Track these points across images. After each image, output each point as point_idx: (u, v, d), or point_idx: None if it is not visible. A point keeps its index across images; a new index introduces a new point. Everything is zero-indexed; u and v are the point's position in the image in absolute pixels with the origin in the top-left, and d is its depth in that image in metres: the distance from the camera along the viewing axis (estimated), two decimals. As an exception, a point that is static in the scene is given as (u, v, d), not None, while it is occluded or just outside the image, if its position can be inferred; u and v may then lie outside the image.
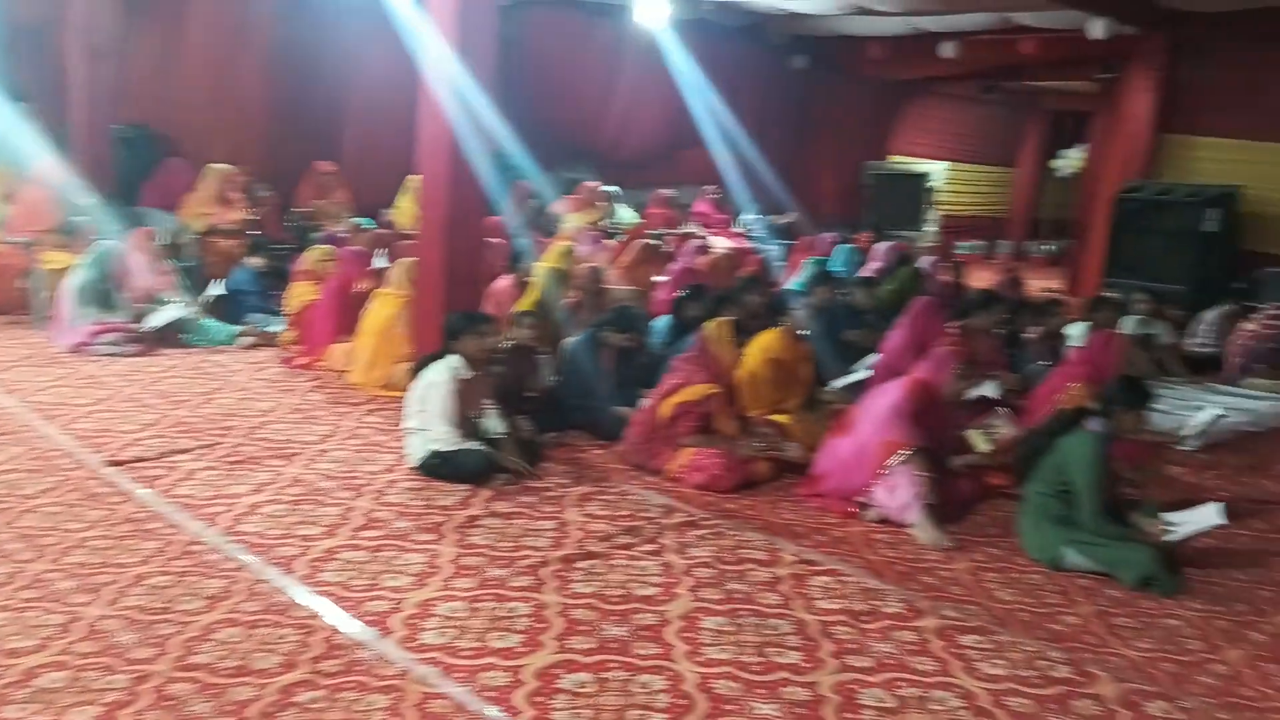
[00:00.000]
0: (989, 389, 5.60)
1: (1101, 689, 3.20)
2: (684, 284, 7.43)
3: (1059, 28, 11.36)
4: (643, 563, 3.93)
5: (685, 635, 3.35)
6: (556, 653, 3.18)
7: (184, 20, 9.04)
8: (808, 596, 3.73)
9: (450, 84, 5.56)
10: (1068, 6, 10.30)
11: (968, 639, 3.48)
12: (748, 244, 10.98)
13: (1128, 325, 7.34)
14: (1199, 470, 5.77)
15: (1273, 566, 4.38)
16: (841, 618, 3.57)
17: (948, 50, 12.18)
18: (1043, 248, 18.74)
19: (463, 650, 3.16)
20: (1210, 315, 8.69)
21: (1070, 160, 17.44)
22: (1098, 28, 10.58)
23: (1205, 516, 4.26)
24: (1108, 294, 8.35)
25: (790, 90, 14.38)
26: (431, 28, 5.64)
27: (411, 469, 4.82)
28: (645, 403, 5.21)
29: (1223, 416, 5.93)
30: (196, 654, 3.05)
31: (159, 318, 7.04)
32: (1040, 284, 13.59)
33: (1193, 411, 6.24)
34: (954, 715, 2.98)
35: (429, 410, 4.78)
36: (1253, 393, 7.36)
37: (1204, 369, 7.98)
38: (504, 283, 7.17)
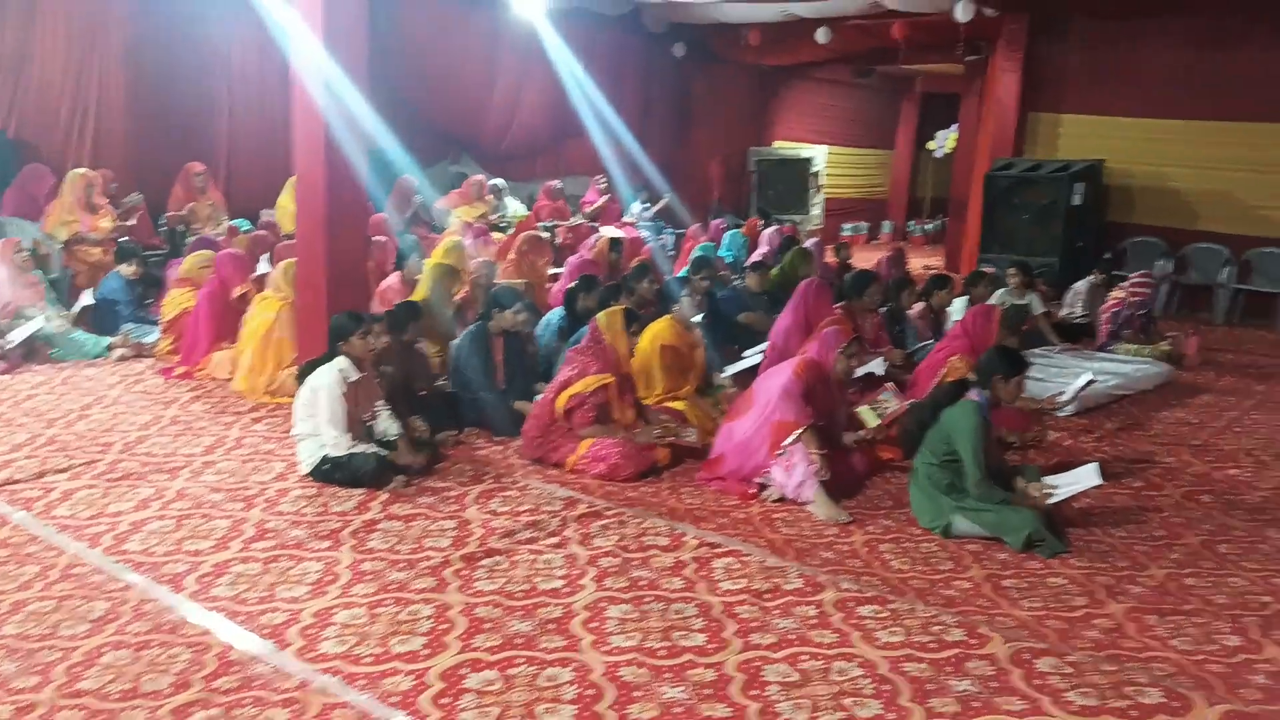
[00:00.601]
0: (876, 366, 5.76)
1: (993, 649, 3.32)
2: (581, 275, 7.41)
3: (927, 11, 11.70)
4: (546, 556, 3.92)
5: (591, 625, 3.35)
6: (461, 652, 3.15)
7: (36, 19, 8.56)
8: (711, 579, 3.78)
9: (321, 78, 5.42)
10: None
11: (866, 609, 3.57)
12: (635, 232, 11.02)
13: (1001, 298, 7.62)
14: (1076, 434, 6.05)
15: (1148, 522, 4.62)
16: (744, 597, 3.63)
17: (821, 36, 12.42)
18: (925, 226, 19.34)
19: (364, 657, 3.10)
20: (1080, 285, 9.10)
21: (941, 141, 18.02)
22: (963, 10, 10.93)
23: (1083, 477, 4.45)
24: (984, 269, 8.66)
25: (671, 78, 14.47)
26: (298, 19, 5.48)
27: (304, 476, 4.70)
28: (541, 396, 5.19)
29: (1094, 381, 6.21)
30: (83, 680, 2.91)
31: (18, 332, 6.68)
32: (922, 261, 14.03)
33: (1068, 378, 6.52)
34: (855, 684, 3.05)
35: (318, 415, 4.67)
36: (1122, 357, 7.74)
37: (1076, 337, 8.35)
38: (391, 281, 7.04)
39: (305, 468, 4.70)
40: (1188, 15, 10.87)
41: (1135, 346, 7.92)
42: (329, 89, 5.43)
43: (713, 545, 4.09)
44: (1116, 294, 8.41)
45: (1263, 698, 3.11)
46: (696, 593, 3.65)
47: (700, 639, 3.30)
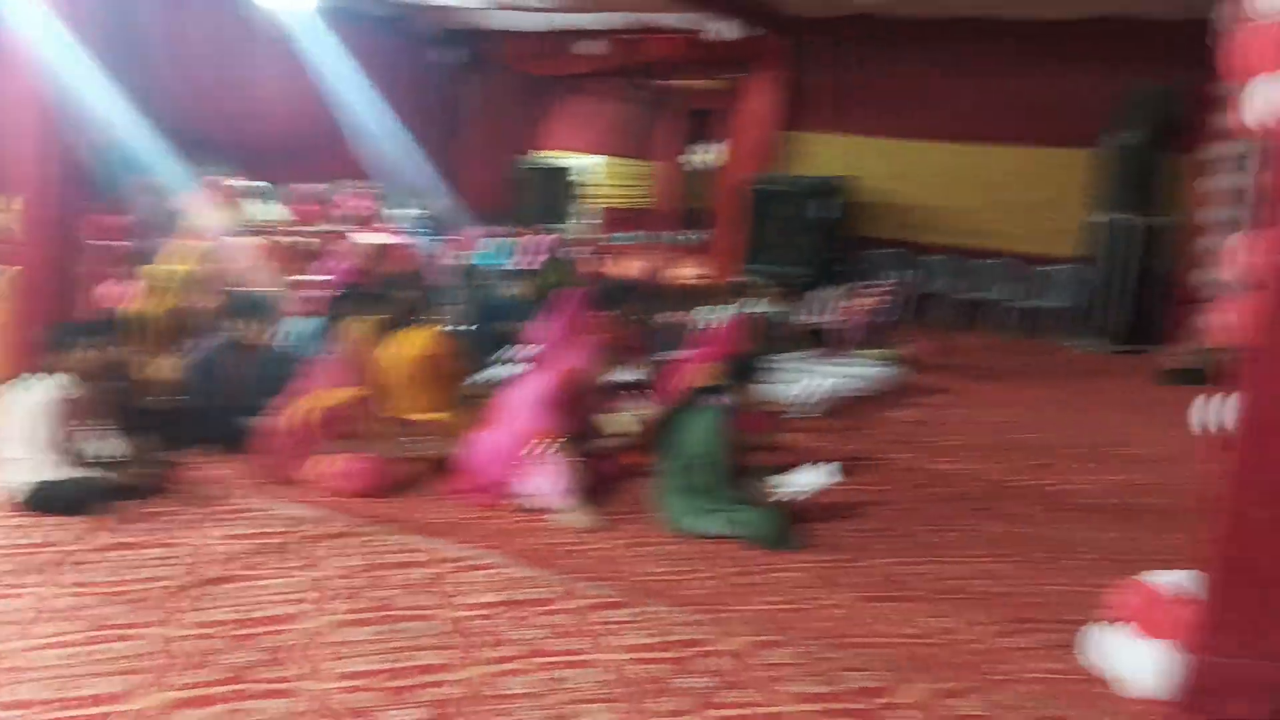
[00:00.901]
0: (631, 373, 5.89)
1: (730, 644, 3.45)
2: (344, 283, 7.18)
3: (690, 29, 12.11)
4: (282, 580, 3.73)
5: (325, 651, 3.22)
6: (178, 689, 2.93)
7: None
8: (459, 593, 3.72)
9: (47, 67, 4.97)
10: (694, 9, 11.00)
11: (612, 614, 3.62)
12: (401, 239, 10.78)
13: (754, 306, 7.99)
14: (816, 434, 6.39)
15: (872, 515, 4.95)
16: (491, 610, 3.59)
17: (587, 47, 12.62)
18: (689, 237, 19.95)
19: (67, 700, 2.84)
20: (827, 293, 9.67)
21: (705, 154, 18.68)
22: (723, 30, 11.39)
23: (820, 475, 4.72)
24: (738, 279, 9.06)
25: (441, 83, 14.30)
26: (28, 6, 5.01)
27: (14, 504, 4.27)
28: (285, 409, 4.96)
29: (838, 385, 6.61)
30: None
31: None
32: (686, 272, 14.47)
33: (811, 381, 6.91)
34: (596, 689, 3.09)
35: (31, 436, 4.26)
36: (863, 362, 8.28)
37: (822, 342, 8.87)
38: (121, 288, 6.54)
39: (15, 495, 4.28)
40: (926, 44, 11.76)
41: (874, 351, 8.49)
42: (58, 80, 4.98)
43: (462, 559, 4.04)
44: (861, 302, 9.02)
45: (968, 675, 3.38)
46: (443, 608, 3.58)
47: (445, 656, 3.23)
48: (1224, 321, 2.98)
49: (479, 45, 13.98)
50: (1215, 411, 2.96)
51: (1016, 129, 11.55)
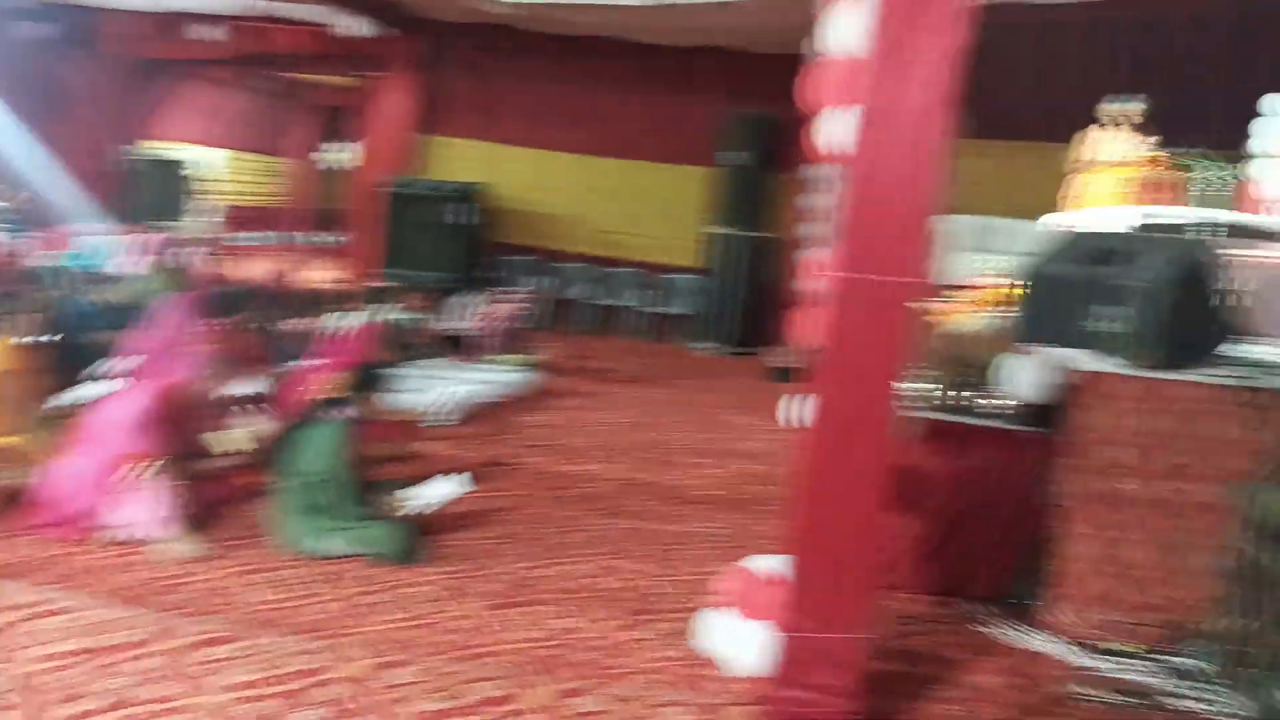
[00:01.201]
0: (250, 386, 5.50)
1: (348, 669, 3.28)
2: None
3: (319, 22, 11.57)
4: None
5: None
6: None
7: None
8: (29, 644, 3.25)
9: None
10: (320, 2, 10.55)
11: (215, 651, 3.32)
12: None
13: (388, 312, 7.79)
14: (451, 442, 6.33)
15: (503, 521, 4.96)
16: (69, 660, 3.17)
17: (202, 32, 11.70)
18: (323, 239, 19.10)
19: None
20: (465, 299, 9.67)
21: (340, 153, 18.01)
22: (355, 26, 11.01)
23: (451, 485, 4.66)
24: (372, 284, 8.81)
25: (29, 61, 12.59)
26: None
27: None
28: None
29: (474, 391, 6.58)
30: None
31: None
32: (320, 275, 13.88)
33: (445, 389, 6.84)
34: (193, 737, 2.83)
35: None
36: (500, 367, 8.35)
37: (460, 349, 8.85)
38: None
39: None
40: (562, 58, 12.05)
41: (512, 356, 8.60)
42: None
43: (36, 603, 3.53)
44: (497, 308, 9.10)
45: (590, 672, 3.47)
46: (7, 664, 3.11)
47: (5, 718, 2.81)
48: (803, 326, 3.28)
49: (76, 21, 12.48)
50: (797, 408, 3.25)
51: (644, 145, 12.22)
